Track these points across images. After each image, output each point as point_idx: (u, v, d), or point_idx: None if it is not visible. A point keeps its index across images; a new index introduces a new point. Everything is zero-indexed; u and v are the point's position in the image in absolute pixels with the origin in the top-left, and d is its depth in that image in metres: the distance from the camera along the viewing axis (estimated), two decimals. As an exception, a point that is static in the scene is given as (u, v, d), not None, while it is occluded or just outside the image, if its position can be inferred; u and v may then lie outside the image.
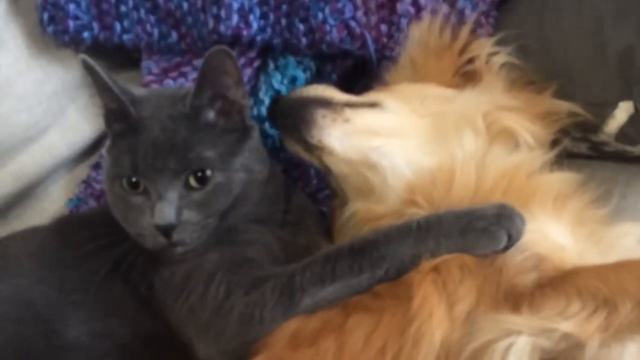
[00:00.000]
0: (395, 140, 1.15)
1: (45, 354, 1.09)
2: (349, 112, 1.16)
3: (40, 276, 1.14)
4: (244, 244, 1.12)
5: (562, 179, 1.14)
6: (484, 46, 1.28)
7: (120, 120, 1.09)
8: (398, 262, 0.99)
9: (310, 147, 1.17)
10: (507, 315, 0.90)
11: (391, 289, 0.98)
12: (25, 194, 1.43)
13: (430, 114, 1.18)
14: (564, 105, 1.22)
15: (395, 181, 1.12)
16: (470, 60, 1.27)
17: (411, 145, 1.15)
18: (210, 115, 1.09)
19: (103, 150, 1.42)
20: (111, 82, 1.07)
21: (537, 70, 1.26)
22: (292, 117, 1.19)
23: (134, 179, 1.07)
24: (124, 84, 1.11)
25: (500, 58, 1.26)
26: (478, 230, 0.98)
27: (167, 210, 1.04)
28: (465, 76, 1.27)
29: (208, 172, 1.06)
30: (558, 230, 1.03)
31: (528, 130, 1.17)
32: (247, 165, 1.11)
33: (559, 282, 0.92)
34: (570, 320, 0.88)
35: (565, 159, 1.23)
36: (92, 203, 1.42)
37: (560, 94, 1.24)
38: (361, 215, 1.15)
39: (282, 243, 1.16)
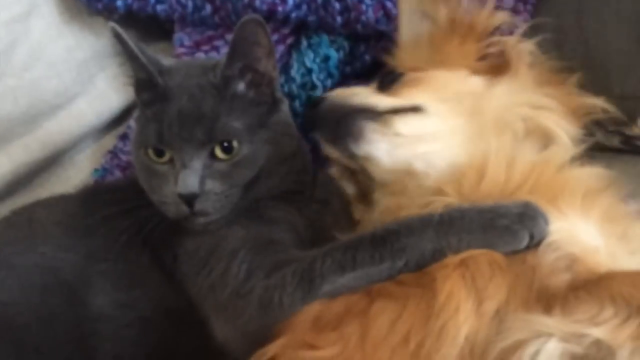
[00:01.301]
0: (437, 144, 1.12)
1: (69, 324, 1.09)
2: (396, 123, 1.12)
3: (67, 244, 1.13)
4: (269, 223, 1.11)
5: (593, 174, 1.10)
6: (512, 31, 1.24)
7: (148, 89, 1.09)
8: (418, 254, 0.97)
9: (354, 157, 1.14)
10: (538, 316, 0.88)
11: (416, 278, 0.96)
12: (50, 162, 1.42)
13: (467, 112, 1.15)
14: (597, 102, 1.19)
15: (429, 179, 1.10)
16: (493, 44, 1.23)
17: (450, 146, 1.12)
18: (240, 86, 1.08)
19: (131, 121, 1.44)
20: (139, 52, 1.07)
21: (572, 61, 1.23)
22: (338, 127, 1.14)
23: (159, 148, 1.07)
24: (152, 54, 1.11)
25: (529, 46, 1.22)
26: (500, 228, 0.96)
27: (190, 179, 1.04)
28: (490, 62, 1.22)
29: (234, 143, 1.06)
30: (588, 230, 1.00)
31: (564, 129, 1.14)
32: (274, 138, 1.10)
33: (593, 286, 0.89)
34: (602, 327, 0.85)
35: (596, 152, 1.20)
36: (118, 174, 1.41)
37: (596, 86, 1.21)
38: (389, 209, 1.13)
39: (308, 220, 1.16)
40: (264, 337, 0.98)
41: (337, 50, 1.37)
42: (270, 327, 0.99)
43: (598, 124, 1.23)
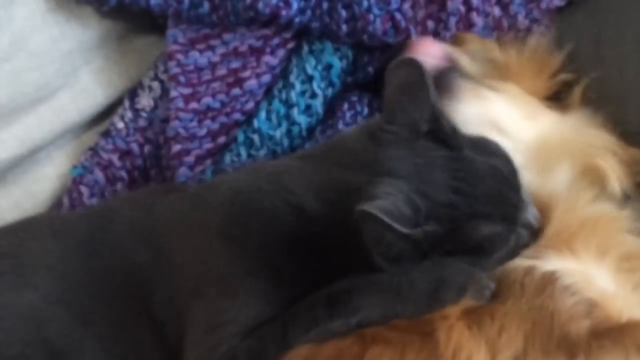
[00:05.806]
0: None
1: None
2: None
3: (59, 296, 0.98)
4: None
5: (612, 211, 1.07)
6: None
7: None
8: (369, 316, 0.92)
9: None
10: None
11: (412, 325, 0.92)
12: (27, 159, 1.34)
13: (538, 131, 1.14)
14: None
15: None
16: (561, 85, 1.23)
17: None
18: None
19: (115, 118, 1.36)
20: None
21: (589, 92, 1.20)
22: None
23: None
24: None
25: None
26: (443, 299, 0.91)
27: None
28: (556, 101, 1.21)
29: None
30: (601, 275, 0.97)
31: (618, 176, 1.11)
32: None
33: (616, 335, 0.88)
34: None
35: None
36: (98, 173, 1.33)
37: (611, 119, 1.17)
38: None
39: None
40: None
41: (341, 59, 1.30)
42: None
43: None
